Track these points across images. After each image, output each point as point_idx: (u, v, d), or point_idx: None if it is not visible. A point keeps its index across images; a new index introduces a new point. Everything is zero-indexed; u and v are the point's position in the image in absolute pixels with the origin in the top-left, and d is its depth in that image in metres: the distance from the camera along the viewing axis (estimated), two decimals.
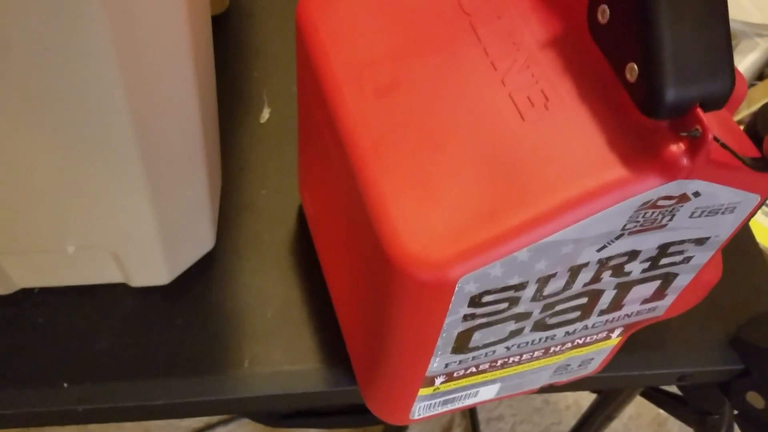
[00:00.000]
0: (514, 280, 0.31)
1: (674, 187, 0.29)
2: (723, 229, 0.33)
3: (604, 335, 0.40)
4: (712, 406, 0.55)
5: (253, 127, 0.58)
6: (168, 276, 0.49)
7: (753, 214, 0.33)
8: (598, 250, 0.31)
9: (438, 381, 0.38)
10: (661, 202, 0.30)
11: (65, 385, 0.47)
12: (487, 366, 0.38)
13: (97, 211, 0.42)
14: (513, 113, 0.31)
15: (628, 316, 0.38)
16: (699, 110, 0.27)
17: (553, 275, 0.32)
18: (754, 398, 0.43)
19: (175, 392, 0.47)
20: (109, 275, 0.49)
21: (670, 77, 0.27)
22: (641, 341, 0.47)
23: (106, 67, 0.33)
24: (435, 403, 0.40)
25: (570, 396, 1.24)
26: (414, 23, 0.34)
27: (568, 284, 0.33)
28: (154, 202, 0.42)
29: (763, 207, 0.85)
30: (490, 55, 0.32)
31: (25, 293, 0.50)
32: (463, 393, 0.40)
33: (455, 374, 0.38)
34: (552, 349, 0.39)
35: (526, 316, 0.34)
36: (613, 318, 0.38)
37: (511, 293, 0.32)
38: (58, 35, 0.31)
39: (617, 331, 0.40)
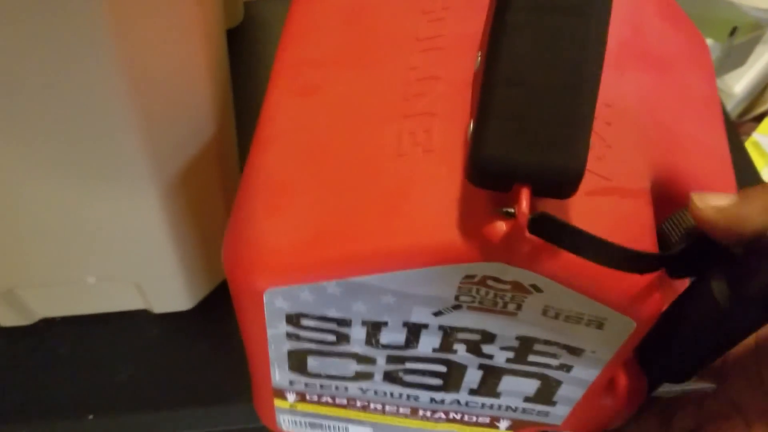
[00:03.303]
0: (333, 313, 0.30)
1: (498, 270, 0.26)
2: (597, 346, 0.30)
3: (487, 421, 0.38)
4: None
5: None
6: (190, 301, 0.48)
7: (639, 338, 0.29)
8: (436, 315, 0.29)
9: (290, 398, 0.37)
10: (490, 282, 0.27)
11: (90, 417, 0.46)
12: (344, 402, 0.37)
13: (117, 242, 0.41)
14: (394, 147, 0.29)
15: (512, 409, 0.36)
16: (523, 189, 0.24)
17: (384, 324, 0.30)
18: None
19: (202, 421, 0.46)
20: (131, 303, 0.48)
21: (488, 142, 0.23)
22: None
23: (120, 97, 0.32)
24: (299, 421, 0.40)
25: None
26: (366, 35, 0.34)
27: (411, 342, 0.31)
28: (173, 231, 0.41)
29: None
30: (411, 85, 0.31)
31: (47, 323, 0.49)
32: (331, 423, 0.40)
33: (308, 397, 0.37)
34: (421, 412, 0.38)
35: (369, 360, 0.33)
36: (492, 404, 0.36)
37: (334, 326, 0.31)
38: (66, 68, 0.30)
39: (504, 423, 0.38)
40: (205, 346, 0.48)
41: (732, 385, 0.32)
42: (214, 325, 0.49)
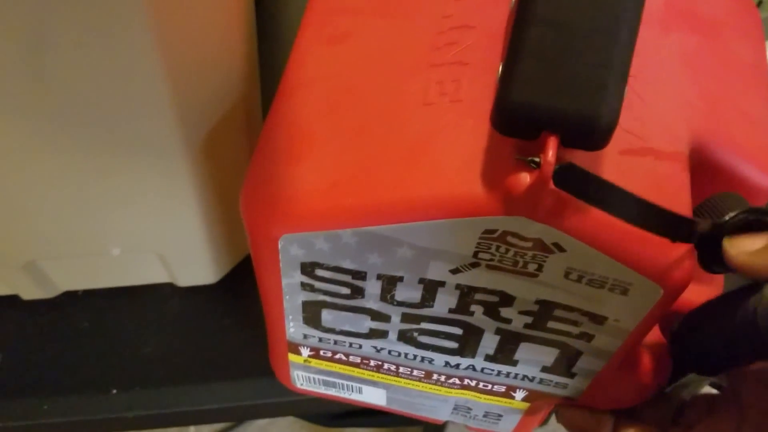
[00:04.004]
0: (347, 264, 0.29)
1: (519, 225, 0.25)
2: (620, 313, 0.28)
3: (503, 390, 0.37)
4: None
5: None
6: (216, 275, 0.47)
7: (666, 308, 0.28)
8: (453, 272, 0.28)
9: (304, 352, 0.37)
10: (511, 239, 0.26)
11: (114, 391, 0.45)
12: (358, 360, 0.37)
13: (143, 214, 0.40)
14: (421, 96, 0.28)
15: (528, 379, 0.35)
16: (551, 138, 0.22)
17: (400, 279, 0.29)
18: None
19: (227, 396, 0.45)
20: (155, 276, 0.47)
21: (515, 84, 0.22)
22: None
23: (149, 60, 0.31)
24: (313, 378, 0.40)
25: None
26: None
27: (426, 300, 0.30)
28: (200, 200, 0.40)
29: None
30: (443, 34, 0.30)
31: (69, 296, 0.48)
32: (344, 382, 0.40)
33: (321, 353, 0.37)
34: (435, 376, 0.37)
35: (383, 317, 0.32)
36: (509, 373, 0.35)
37: (348, 278, 0.30)
38: (97, 28, 0.29)
39: (520, 393, 0.37)
40: (229, 321, 0.48)
41: (735, 375, 0.32)
42: (239, 300, 0.48)
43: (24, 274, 0.44)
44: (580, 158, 0.23)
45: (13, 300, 0.47)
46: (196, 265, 0.46)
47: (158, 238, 0.43)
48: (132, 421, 0.45)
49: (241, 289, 0.48)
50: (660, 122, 0.28)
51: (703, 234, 0.25)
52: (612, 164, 0.26)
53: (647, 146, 0.27)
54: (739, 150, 0.31)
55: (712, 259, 0.26)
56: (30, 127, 0.33)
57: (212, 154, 0.38)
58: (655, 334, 0.33)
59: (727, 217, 0.26)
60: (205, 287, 0.48)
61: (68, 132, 0.33)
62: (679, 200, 0.26)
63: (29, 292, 0.47)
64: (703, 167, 0.30)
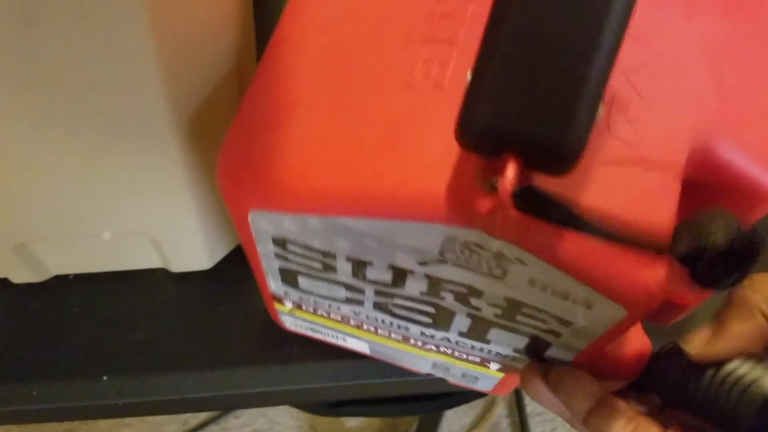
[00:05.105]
0: (316, 245, 0.29)
1: (480, 238, 0.25)
2: (586, 322, 0.28)
3: (478, 361, 0.37)
4: None
5: None
6: (209, 261, 0.46)
7: (633, 322, 0.27)
8: (421, 265, 0.28)
9: (288, 304, 0.38)
10: (473, 248, 0.25)
11: (104, 377, 0.44)
12: (338, 318, 0.37)
13: (134, 195, 0.39)
14: (406, 76, 0.27)
15: (501, 356, 0.35)
16: (511, 162, 0.21)
17: (369, 263, 0.29)
18: None
19: (220, 384, 0.44)
20: (148, 261, 0.46)
21: (479, 101, 0.21)
22: None
23: (136, 31, 0.30)
24: (300, 323, 0.40)
25: None
26: None
27: (397, 282, 0.30)
28: (193, 182, 0.39)
29: None
30: (439, 3, 0.28)
31: (59, 280, 0.47)
32: (329, 331, 0.40)
33: (303, 307, 0.37)
34: (412, 341, 0.37)
35: (357, 290, 0.32)
36: (482, 348, 0.35)
37: (319, 257, 0.30)
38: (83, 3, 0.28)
39: (494, 366, 0.37)
40: (223, 308, 0.47)
41: None
42: (233, 287, 0.47)
43: (14, 256, 0.43)
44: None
45: (3, 283, 0.46)
46: (189, 250, 0.45)
47: (150, 222, 0.42)
48: (122, 408, 0.44)
49: (235, 276, 0.47)
50: (658, 125, 0.27)
51: (685, 254, 0.24)
52: (592, 176, 0.25)
53: (636, 155, 0.26)
54: (750, 151, 0.29)
55: (703, 276, 0.25)
56: (17, 104, 0.32)
57: (205, 133, 0.37)
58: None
59: (710, 239, 0.24)
60: (199, 273, 0.47)
61: (56, 109, 0.32)
62: (661, 215, 0.25)
63: (19, 275, 0.46)
64: (708, 168, 0.29)
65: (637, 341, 0.33)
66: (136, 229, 0.42)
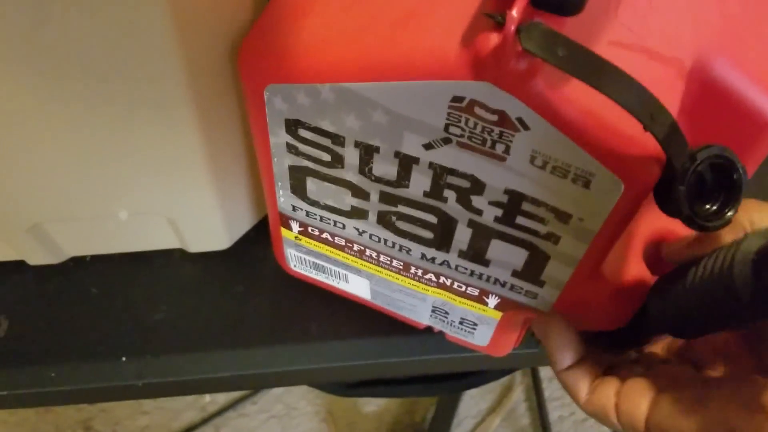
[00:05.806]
0: (327, 125, 0.30)
1: (485, 93, 0.25)
2: (584, 211, 0.28)
3: (476, 294, 0.37)
4: None
5: None
6: (228, 240, 0.46)
7: (629, 211, 0.27)
8: (426, 148, 0.29)
9: (294, 227, 0.39)
10: (478, 110, 0.26)
11: (123, 359, 0.44)
12: (343, 243, 0.38)
13: (150, 174, 0.38)
14: None
15: (500, 283, 0.35)
16: None
17: (376, 149, 0.30)
18: None
19: (239, 363, 0.44)
20: (165, 241, 0.46)
21: None
22: None
23: (158, 7, 0.29)
24: (304, 259, 0.41)
25: None
26: None
27: (402, 178, 0.31)
28: (211, 162, 0.38)
29: None
30: None
31: (76, 262, 0.47)
32: (332, 267, 0.41)
33: (309, 229, 0.38)
34: (413, 269, 0.37)
35: (363, 194, 0.33)
36: (481, 274, 0.35)
37: (328, 142, 0.31)
38: None
39: (492, 299, 0.37)
40: (241, 288, 0.46)
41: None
42: (251, 267, 0.47)
43: (30, 237, 0.43)
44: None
45: (19, 265, 0.46)
46: (207, 230, 0.44)
47: (167, 201, 0.41)
48: (142, 389, 0.44)
49: (254, 256, 0.47)
50: (664, 27, 0.27)
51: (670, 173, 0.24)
52: (597, 51, 0.24)
53: (641, 44, 0.26)
54: (748, 72, 0.30)
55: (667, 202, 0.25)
56: (32, 78, 0.31)
57: (224, 109, 0.36)
58: (638, 268, 0.33)
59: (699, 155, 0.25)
60: (217, 253, 0.47)
61: (71, 83, 0.32)
62: (663, 101, 0.25)
63: (36, 257, 0.45)
64: (706, 87, 0.29)
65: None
66: (153, 208, 0.42)
